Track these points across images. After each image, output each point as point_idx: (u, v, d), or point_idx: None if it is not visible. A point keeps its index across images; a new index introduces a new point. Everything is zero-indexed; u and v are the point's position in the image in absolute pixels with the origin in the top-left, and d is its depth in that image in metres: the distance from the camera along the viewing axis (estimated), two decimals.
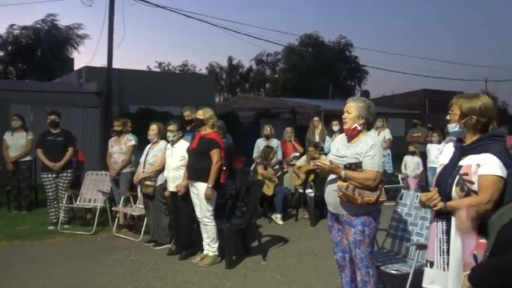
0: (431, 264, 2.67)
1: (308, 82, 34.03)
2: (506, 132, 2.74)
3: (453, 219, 2.54)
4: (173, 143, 5.47)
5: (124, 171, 6.56)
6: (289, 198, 7.85)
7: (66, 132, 7.21)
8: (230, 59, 43.89)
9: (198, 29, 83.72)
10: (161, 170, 5.75)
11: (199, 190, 5.01)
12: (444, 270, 2.57)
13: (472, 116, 2.55)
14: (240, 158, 8.96)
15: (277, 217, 7.23)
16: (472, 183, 2.47)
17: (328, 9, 74.19)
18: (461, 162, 2.58)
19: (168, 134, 5.49)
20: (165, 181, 5.61)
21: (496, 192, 2.39)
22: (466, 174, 2.50)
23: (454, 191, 2.53)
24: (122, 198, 6.57)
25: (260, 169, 7.41)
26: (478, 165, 2.47)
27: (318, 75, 34.55)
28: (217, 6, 69.46)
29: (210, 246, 5.13)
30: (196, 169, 5.04)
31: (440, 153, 9.13)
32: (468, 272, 1.57)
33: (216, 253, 5.13)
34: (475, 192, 2.47)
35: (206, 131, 5.17)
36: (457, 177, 2.54)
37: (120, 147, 6.62)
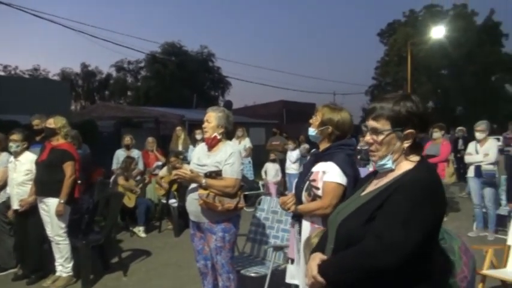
0: (292, 261, 2.87)
1: (172, 91, 33.71)
2: (355, 141, 3.06)
3: (303, 221, 2.77)
4: (17, 154, 4.88)
5: None
6: (152, 210, 7.65)
7: None
8: (84, 65, 41.37)
9: (51, 31, 77.07)
10: (3, 186, 5.11)
11: (50, 206, 4.56)
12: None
13: (329, 127, 2.77)
14: (99, 170, 8.46)
15: (140, 230, 6.98)
16: (318, 188, 2.69)
17: (189, 19, 74.89)
18: (313, 169, 2.79)
19: (11, 144, 4.86)
20: (8, 198, 5.00)
21: (335, 198, 2.60)
22: (314, 180, 2.72)
23: (303, 195, 2.75)
24: None
25: (121, 180, 7.09)
26: (324, 172, 2.70)
27: (181, 84, 34.47)
28: (73, 8, 65.00)
29: (63, 267, 4.71)
30: (46, 183, 4.58)
31: (295, 161, 9.75)
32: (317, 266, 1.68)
33: (71, 273, 4.73)
34: (320, 197, 2.68)
35: (58, 141, 4.74)
36: (307, 182, 2.75)
37: None
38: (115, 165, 7.84)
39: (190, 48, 37.78)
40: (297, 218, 2.86)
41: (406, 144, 1.66)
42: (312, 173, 2.77)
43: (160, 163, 8.34)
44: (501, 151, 10.77)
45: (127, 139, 8.09)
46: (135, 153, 7.97)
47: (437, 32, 26.45)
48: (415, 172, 1.62)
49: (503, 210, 6.30)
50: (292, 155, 9.25)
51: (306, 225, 2.76)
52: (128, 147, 8.01)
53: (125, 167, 7.32)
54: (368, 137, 1.71)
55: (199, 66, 37.00)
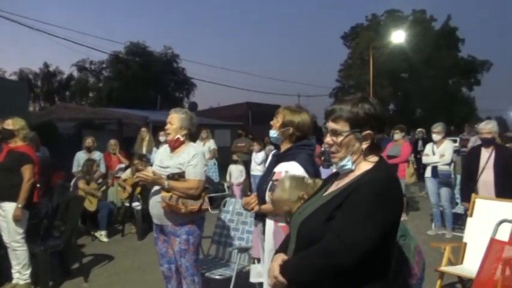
0: (258, 260, 2.88)
1: (135, 92, 33.10)
2: (315, 141, 3.15)
3: (267, 220, 2.81)
4: None
5: None
6: (115, 213, 7.49)
7: None
8: (46, 65, 40.06)
9: (6, 29, 74.13)
10: None
11: (7, 211, 4.38)
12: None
13: (290, 128, 2.84)
14: (58, 173, 8.24)
15: (102, 234, 6.82)
16: None
17: (154, 20, 73.88)
18: (275, 169, 2.85)
19: None
20: None
21: None
22: (277, 180, 2.73)
23: (267, 195, 2.77)
24: None
25: (81, 184, 6.90)
26: (286, 172, 2.74)
27: (146, 85, 33.91)
28: (31, 5, 62.85)
29: (20, 274, 4.53)
30: (2, 187, 4.39)
31: (261, 162, 9.74)
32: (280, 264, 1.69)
33: (29, 280, 4.56)
34: None
35: (16, 143, 4.57)
36: (270, 182, 2.79)
37: None
38: (75, 168, 7.63)
39: (154, 49, 37.30)
40: (260, 218, 2.89)
41: (364, 145, 1.70)
42: (274, 173, 2.83)
43: (123, 165, 8.18)
44: (458, 152, 11.22)
45: (88, 141, 7.89)
46: (97, 155, 7.78)
47: (398, 36, 27.30)
48: (374, 172, 1.66)
49: (459, 208, 6.54)
50: (258, 156, 9.28)
51: (269, 223, 2.81)
52: (89, 150, 7.81)
53: (86, 169, 7.13)
54: (328, 139, 1.74)
55: (164, 67, 36.53)
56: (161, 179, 3.31)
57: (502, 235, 3.36)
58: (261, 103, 31.72)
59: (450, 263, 4.20)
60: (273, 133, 2.92)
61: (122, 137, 13.94)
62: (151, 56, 36.35)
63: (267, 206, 2.78)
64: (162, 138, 8.54)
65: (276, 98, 53.96)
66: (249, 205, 2.86)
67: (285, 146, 2.90)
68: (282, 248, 1.85)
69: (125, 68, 35.12)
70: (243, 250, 3.91)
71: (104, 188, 7.34)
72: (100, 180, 7.43)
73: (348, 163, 1.71)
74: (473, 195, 4.55)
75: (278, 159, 2.90)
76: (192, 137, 3.70)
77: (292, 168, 2.74)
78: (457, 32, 37.51)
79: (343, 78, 39.98)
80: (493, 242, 3.33)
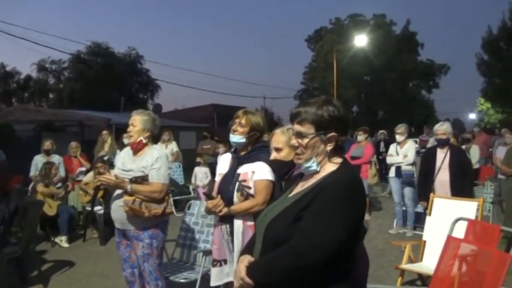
0: (225, 261, 2.88)
1: (98, 93, 32.28)
2: None
3: (235, 221, 2.83)
4: None
5: None
6: (76, 218, 7.28)
7: None
8: (3, 65, 38.49)
9: None
10: None
11: None
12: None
13: (256, 132, 2.92)
14: (16, 177, 7.98)
15: (62, 239, 6.61)
16: (249, 188, 2.83)
17: (117, 21, 72.48)
18: (239, 171, 2.90)
19: None
20: None
21: (268, 194, 2.79)
22: (244, 180, 2.84)
23: (236, 196, 2.84)
24: None
25: (40, 188, 6.67)
26: (253, 172, 2.84)
27: (108, 86, 33.14)
28: None
29: None
30: None
31: None
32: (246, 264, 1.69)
33: None
34: (252, 196, 2.82)
35: None
36: (237, 183, 2.84)
37: None
38: (33, 172, 7.37)
39: (117, 50, 36.50)
40: (228, 219, 2.88)
41: (329, 147, 1.72)
42: (239, 174, 2.88)
43: (84, 169, 7.98)
44: (417, 153, 11.57)
45: (47, 144, 7.64)
46: (56, 158, 7.55)
47: (360, 40, 27.90)
48: (338, 174, 1.69)
49: (420, 207, 6.74)
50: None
51: (238, 223, 2.83)
52: (47, 153, 7.57)
53: (45, 173, 6.89)
54: (294, 141, 1.75)
55: (127, 68, 35.83)
56: (124, 182, 3.24)
57: (459, 233, 3.48)
58: (226, 105, 31.64)
59: (410, 260, 4.32)
60: (240, 138, 2.94)
61: (83, 139, 13.57)
62: (113, 56, 35.56)
63: (237, 207, 2.82)
64: (125, 141, 8.37)
65: (241, 100, 54.16)
66: (218, 207, 2.86)
67: (245, 148, 2.96)
68: (247, 250, 1.85)
69: (87, 68, 34.18)
70: (208, 253, 3.86)
71: (63, 192, 7.12)
72: (59, 184, 7.21)
73: (313, 164, 1.73)
74: (431, 194, 4.70)
75: (240, 161, 2.94)
76: (155, 139, 3.65)
77: (259, 168, 2.83)
78: (416, 37, 38.72)
79: (308, 81, 40.49)
80: (449, 239, 3.45)
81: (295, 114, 1.75)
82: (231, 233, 2.86)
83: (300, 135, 1.72)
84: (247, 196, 2.83)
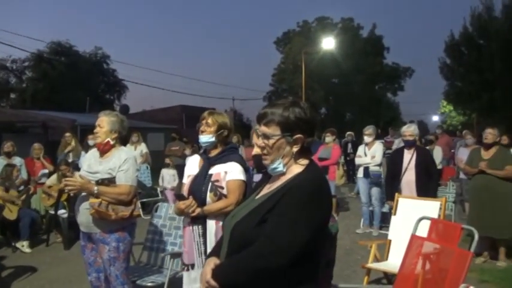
0: (192, 266, 2.84)
1: (62, 94, 31.37)
2: (239, 145, 3.24)
3: (208, 221, 2.82)
4: None
5: None
6: (38, 222, 7.05)
7: None
8: None
9: None
10: None
11: None
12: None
13: (225, 130, 2.95)
14: None
15: (24, 244, 6.39)
16: (223, 188, 2.84)
17: (82, 20, 70.82)
18: (210, 171, 2.90)
19: None
20: None
21: (241, 194, 2.82)
22: (217, 180, 2.86)
23: (209, 196, 2.84)
24: None
25: (0, 191, 6.43)
26: (226, 172, 2.86)
27: (73, 86, 32.25)
28: None
29: None
30: None
31: None
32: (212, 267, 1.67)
33: None
34: (225, 196, 2.84)
35: None
36: (210, 184, 2.85)
37: None
38: None
39: (82, 49, 35.57)
40: (200, 220, 2.86)
41: (295, 149, 1.73)
42: (211, 175, 2.89)
43: (46, 171, 7.75)
44: (384, 154, 11.81)
45: (7, 146, 7.39)
46: (17, 161, 7.31)
47: (328, 43, 28.30)
48: (304, 175, 1.70)
49: (387, 207, 6.90)
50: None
51: (211, 224, 2.83)
52: (8, 155, 7.31)
53: (5, 175, 6.65)
54: (260, 142, 1.76)
55: (93, 68, 34.99)
56: (90, 184, 3.17)
57: (422, 231, 3.58)
58: (195, 106, 31.39)
59: (376, 259, 4.41)
60: (209, 137, 2.96)
61: (47, 141, 13.17)
62: (78, 56, 34.64)
63: (211, 207, 2.82)
64: (91, 142, 8.17)
65: (210, 101, 53.95)
66: (190, 208, 2.83)
67: (216, 149, 2.98)
68: (215, 252, 1.84)
69: (50, 68, 33.15)
70: (176, 255, 3.84)
71: (25, 195, 6.88)
72: (21, 187, 6.97)
73: (279, 166, 1.73)
74: (396, 194, 4.82)
75: (211, 162, 2.95)
76: (123, 140, 3.59)
77: (231, 168, 2.87)
78: (382, 40, 39.62)
79: (277, 82, 40.70)
80: (413, 238, 3.54)
81: (262, 115, 1.75)
82: (203, 235, 2.84)
83: (265, 136, 1.73)
84: (220, 196, 2.84)
